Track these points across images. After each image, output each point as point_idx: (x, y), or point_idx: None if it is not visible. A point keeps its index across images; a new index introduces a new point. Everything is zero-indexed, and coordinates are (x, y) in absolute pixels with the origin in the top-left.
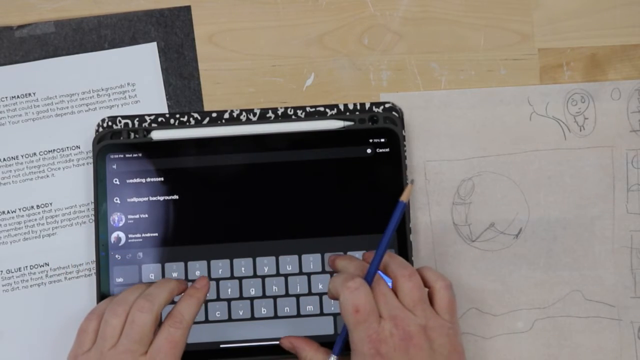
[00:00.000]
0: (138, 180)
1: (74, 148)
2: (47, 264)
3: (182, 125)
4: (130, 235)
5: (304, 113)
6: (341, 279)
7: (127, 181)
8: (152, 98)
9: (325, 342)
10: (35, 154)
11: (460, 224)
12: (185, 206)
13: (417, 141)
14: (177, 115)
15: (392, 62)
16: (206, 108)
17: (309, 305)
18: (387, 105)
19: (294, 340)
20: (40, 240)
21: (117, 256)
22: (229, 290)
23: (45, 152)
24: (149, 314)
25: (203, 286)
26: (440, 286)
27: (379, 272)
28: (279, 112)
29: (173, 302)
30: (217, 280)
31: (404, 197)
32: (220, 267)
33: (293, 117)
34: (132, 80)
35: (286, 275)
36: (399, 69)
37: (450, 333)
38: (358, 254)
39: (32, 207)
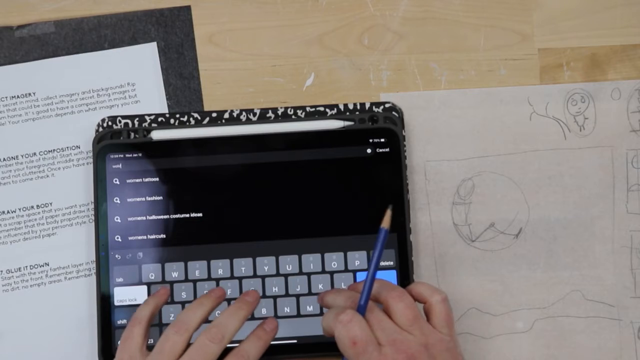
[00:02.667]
0: (138, 180)
1: (74, 148)
2: (47, 264)
3: (182, 125)
4: (130, 235)
5: (304, 113)
6: (332, 314)
7: (127, 181)
8: (152, 98)
9: (325, 343)
10: (35, 154)
11: (460, 224)
12: (185, 206)
13: (417, 141)
14: (177, 115)
15: (392, 62)
16: (206, 108)
17: (309, 305)
18: (387, 105)
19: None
20: (40, 240)
21: (117, 256)
22: (229, 290)
23: (45, 152)
24: (218, 345)
25: (272, 329)
26: (436, 300)
27: (371, 300)
28: (279, 112)
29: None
30: (217, 280)
31: (384, 224)
32: (220, 267)
33: (293, 117)
34: (132, 80)
35: (286, 275)
36: (399, 69)
37: (450, 347)
38: (358, 254)
39: (32, 207)
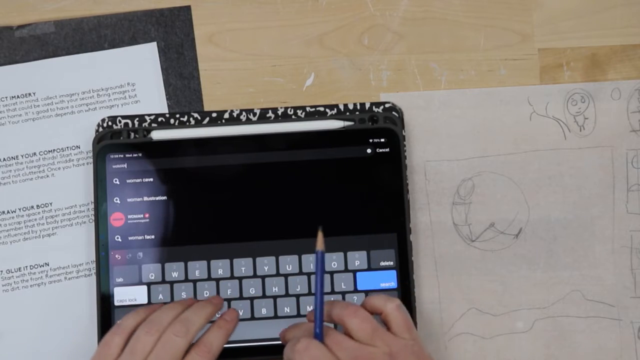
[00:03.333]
0: (138, 180)
1: (74, 148)
2: (47, 264)
3: (182, 125)
4: (130, 235)
5: (304, 113)
6: (289, 346)
7: (127, 181)
8: (152, 98)
9: None
10: (35, 154)
11: (460, 224)
12: (185, 206)
13: (417, 141)
14: (177, 115)
15: (392, 62)
16: (206, 108)
17: (309, 305)
18: (387, 105)
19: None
20: (40, 240)
21: (117, 256)
22: (229, 290)
23: (45, 152)
24: (183, 338)
25: (233, 319)
26: (390, 308)
27: (327, 324)
28: (279, 112)
29: None
30: (217, 280)
31: (319, 246)
32: (220, 267)
33: (293, 117)
34: (132, 80)
35: (286, 275)
36: (399, 69)
37: (415, 350)
38: (358, 254)
39: (32, 207)
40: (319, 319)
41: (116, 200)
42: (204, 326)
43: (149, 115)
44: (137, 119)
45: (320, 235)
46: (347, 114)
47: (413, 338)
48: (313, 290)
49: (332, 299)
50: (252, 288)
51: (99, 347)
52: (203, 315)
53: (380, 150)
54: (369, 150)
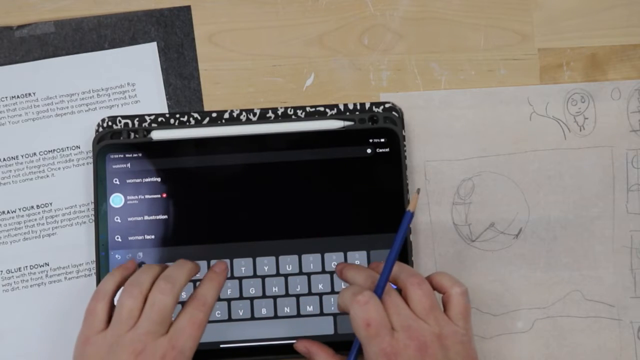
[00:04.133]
0: (138, 180)
1: (74, 148)
2: (47, 264)
3: (182, 125)
4: (130, 235)
5: (304, 113)
6: (350, 292)
7: (127, 181)
8: (152, 98)
9: (325, 343)
10: (35, 154)
11: (460, 224)
12: (185, 206)
13: (417, 141)
14: (177, 115)
15: (392, 62)
16: (206, 108)
17: (309, 305)
18: (387, 105)
19: (310, 344)
20: (40, 240)
21: (117, 256)
22: (229, 290)
23: (45, 152)
24: (169, 296)
25: (222, 270)
26: (456, 292)
27: (389, 282)
28: (279, 112)
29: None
30: None
31: (411, 207)
32: None
33: (293, 117)
34: (132, 80)
35: (286, 275)
36: (399, 69)
37: (464, 340)
38: (358, 254)
39: (32, 207)
40: (385, 277)
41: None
42: (187, 281)
43: (149, 115)
44: (137, 119)
45: (415, 196)
46: (347, 114)
47: (466, 328)
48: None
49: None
50: (252, 288)
51: (85, 317)
52: (185, 271)
53: (380, 150)
54: (369, 150)
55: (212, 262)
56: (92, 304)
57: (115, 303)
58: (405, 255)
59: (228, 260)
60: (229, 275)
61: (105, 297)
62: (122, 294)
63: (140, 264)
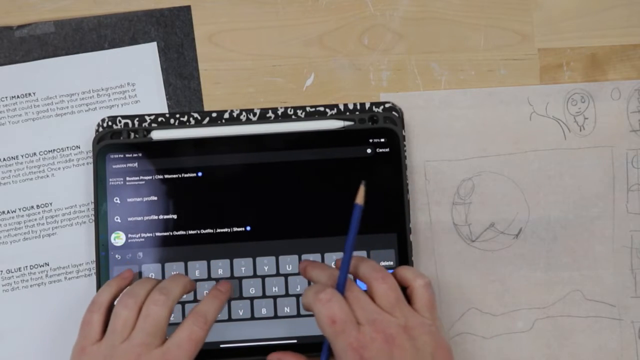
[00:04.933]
0: (138, 180)
1: (74, 148)
2: (47, 264)
3: (182, 125)
4: (130, 235)
5: (304, 113)
6: (313, 291)
7: (127, 181)
8: (152, 98)
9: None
10: (35, 154)
11: (460, 224)
12: (185, 206)
13: (417, 141)
14: (177, 115)
15: (392, 62)
16: (206, 108)
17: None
18: (387, 105)
19: (282, 355)
20: (40, 240)
21: (117, 256)
22: None
23: (45, 152)
24: (164, 307)
25: (227, 290)
26: (419, 284)
27: (353, 278)
28: (279, 112)
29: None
30: (217, 280)
31: (358, 200)
32: (220, 267)
33: (293, 117)
34: (132, 80)
35: (286, 275)
36: (399, 69)
37: (432, 330)
38: (358, 254)
39: (32, 207)
40: (344, 272)
41: (116, 200)
42: (182, 295)
43: (149, 115)
44: (137, 119)
45: (362, 189)
46: (347, 114)
47: (432, 318)
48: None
49: None
50: (252, 288)
51: (80, 328)
52: (180, 284)
53: (380, 150)
54: (369, 150)
55: (213, 262)
56: (88, 314)
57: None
58: (405, 255)
59: (234, 282)
60: (228, 275)
61: (100, 308)
62: (117, 304)
63: (139, 274)
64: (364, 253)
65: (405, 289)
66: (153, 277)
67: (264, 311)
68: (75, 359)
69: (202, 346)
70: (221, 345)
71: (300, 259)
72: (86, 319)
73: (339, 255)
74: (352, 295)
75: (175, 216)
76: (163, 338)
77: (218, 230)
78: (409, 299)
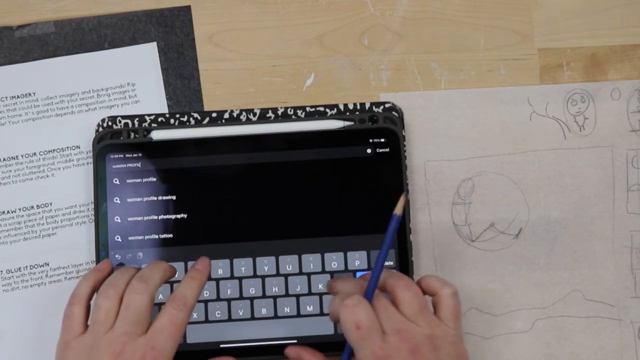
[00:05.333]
0: (138, 180)
1: (74, 148)
2: (47, 264)
3: (182, 125)
4: (130, 235)
5: (304, 113)
6: (339, 298)
7: (127, 181)
8: (152, 98)
9: (325, 343)
10: (35, 154)
11: (460, 224)
12: (185, 206)
13: (417, 141)
14: (177, 115)
15: (392, 62)
16: (206, 108)
17: (309, 305)
18: (387, 105)
19: (300, 350)
20: (40, 240)
21: (117, 256)
22: (229, 290)
23: (45, 152)
24: (144, 295)
25: (204, 268)
26: (446, 293)
27: (378, 289)
28: (279, 112)
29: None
30: (217, 280)
31: (397, 210)
32: (220, 267)
33: (293, 117)
34: (132, 80)
35: (286, 275)
36: (399, 69)
37: (454, 341)
38: (358, 254)
39: (32, 207)
40: (374, 280)
41: (116, 200)
42: (162, 282)
43: (149, 115)
44: (137, 119)
45: (402, 200)
46: (347, 114)
47: (456, 329)
48: (324, 288)
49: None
50: (252, 288)
51: (63, 322)
52: (159, 270)
53: (380, 150)
54: (369, 150)
55: (213, 262)
56: (69, 308)
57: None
58: (405, 255)
59: (209, 258)
60: (228, 275)
61: (81, 301)
62: (98, 296)
63: (119, 265)
64: (364, 253)
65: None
66: None
67: (264, 311)
68: (60, 354)
69: (184, 330)
70: (221, 345)
71: (300, 259)
72: (67, 313)
73: (339, 255)
74: (379, 304)
75: (175, 216)
76: (146, 326)
77: (218, 230)
78: (434, 307)
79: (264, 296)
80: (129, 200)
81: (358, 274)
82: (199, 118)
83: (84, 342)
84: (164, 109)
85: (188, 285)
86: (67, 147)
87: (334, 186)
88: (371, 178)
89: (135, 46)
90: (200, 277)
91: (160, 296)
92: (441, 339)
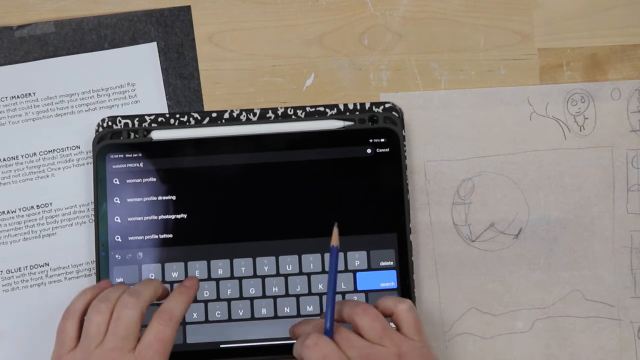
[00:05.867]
0: (138, 180)
1: (74, 148)
2: (47, 264)
3: (182, 125)
4: (130, 235)
5: (304, 113)
6: (299, 341)
7: (127, 181)
8: (152, 98)
9: None
10: (35, 154)
11: (460, 224)
12: (185, 206)
13: (417, 141)
14: (177, 115)
15: (392, 62)
16: (206, 108)
17: (309, 305)
18: (387, 105)
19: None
20: (40, 240)
21: (117, 256)
22: (229, 290)
23: (45, 152)
24: (134, 309)
25: (192, 285)
26: (402, 309)
27: (337, 322)
28: (279, 112)
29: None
30: (217, 280)
31: (334, 242)
32: (220, 267)
33: (293, 117)
34: (132, 80)
35: (286, 275)
36: (399, 69)
37: (424, 352)
38: (358, 254)
39: (32, 207)
40: (329, 315)
41: (116, 200)
42: (154, 298)
43: (149, 115)
44: (137, 119)
45: (335, 231)
46: (347, 114)
47: (422, 340)
48: (324, 289)
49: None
50: (252, 288)
51: (56, 336)
52: (151, 287)
53: (380, 150)
54: (369, 150)
55: (213, 262)
56: (62, 322)
57: None
58: (405, 255)
59: (198, 276)
60: (228, 275)
61: (74, 316)
62: (90, 310)
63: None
64: (364, 253)
65: (388, 317)
66: (153, 277)
67: (264, 311)
68: None
69: (173, 344)
70: (221, 345)
71: (300, 259)
72: (60, 328)
73: (339, 255)
74: (340, 337)
75: (175, 216)
76: (136, 340)
77: (218, 231)
78: (396, 326)
79: (264, 296)
80: (129, 200)
81: (358, 274)
82: (199, 118)
83: (75, 356)
84: (164, 109)
85: (175, 300)
86: (67, 147)
87: (334, 186)
88: (371, 178)
89: (135, 46)
90: (188, 293)
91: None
92: (410, 355)
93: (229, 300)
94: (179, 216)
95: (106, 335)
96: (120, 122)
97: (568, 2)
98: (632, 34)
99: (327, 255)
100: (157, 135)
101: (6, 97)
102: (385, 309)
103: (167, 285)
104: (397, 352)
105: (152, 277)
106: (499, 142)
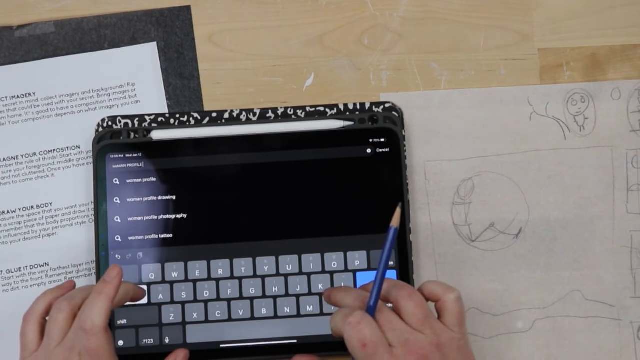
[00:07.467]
0: (138, 180)
1: (74, 148)
2: (47, 264)
3: (182, 125)
4: (130, 235)
5: (304, 113)
6: (341, 315)
7: (127, 181)
8: (152, 98)
9: (325, 343)
10: (35, 154)
11: (460, 224)
12: (185, 206)
13: (417, 141)
14: (177, 115)
15: (392, 62)
16: (206, 108)
17: (309, 305)
18: (387, 105)
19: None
20: (40, 240)
21: (117, 256)
22: (229, 290)
23: (45, 152)
24: (63, 313)
25: (113, 277)
26: (449, 298)
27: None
28: (279, 112)
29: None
30: (217, 280)
31: (394, 222)
32: (220, 267)
33: (293, 117)
34: (132, 80)
35: (286, 275)
36: (399, 69)
37: (461, 345)
38: (358, 254)
39: (32, 207)
40: (375, 294)
41: (116, 200)
42: (123, 299)
43: (149, 115)
44: (137, 119)
45: (398, 211)
46: (347, 114)
47: (462, 332)
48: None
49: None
50: (252, 288)
51: (20, 340)
52: (119, 287)
53: (380, 150)
54: (369, 150)
55: (213, 262)
56: (23, 326)
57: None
58: (405, 255)
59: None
60: (228, 275)
61: (34, 318)
62: (52, 308)
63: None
64: (364, 253)
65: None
66: (153, 277)
67: (264, 311)
68: None
69: (112, 348)
70: (221, 345)
71: (300, 259)
72: (21, 331)
73: (339, 255)
74: (383, 317)
75: (175, 216)
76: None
77: (218, 230)
78: (438, 313)
79: (264, 296)
80: (129, 200)
81: (358, 274)
82: (199, 118)
83: (37, 357)
84: (164, 109)
85: (91, 305)
86: (67, 147)
87: (334, 186)
88: (371, 178)
89: (135, 46)
90: (107, 291)
91: (160, 296)
92: (448, 346)
93: (229, 300)
94: (179, 216)
95: (68, 333)
96: (120, 122)
97: (568, 2)
98: (632, 34)
99: (327, 255)
100: (157, 135)
101: (6, 97)
102: (431, 294)
103: (176, 265)
104: (436, 342)
105: (174, 277)
106: (499, 142)
